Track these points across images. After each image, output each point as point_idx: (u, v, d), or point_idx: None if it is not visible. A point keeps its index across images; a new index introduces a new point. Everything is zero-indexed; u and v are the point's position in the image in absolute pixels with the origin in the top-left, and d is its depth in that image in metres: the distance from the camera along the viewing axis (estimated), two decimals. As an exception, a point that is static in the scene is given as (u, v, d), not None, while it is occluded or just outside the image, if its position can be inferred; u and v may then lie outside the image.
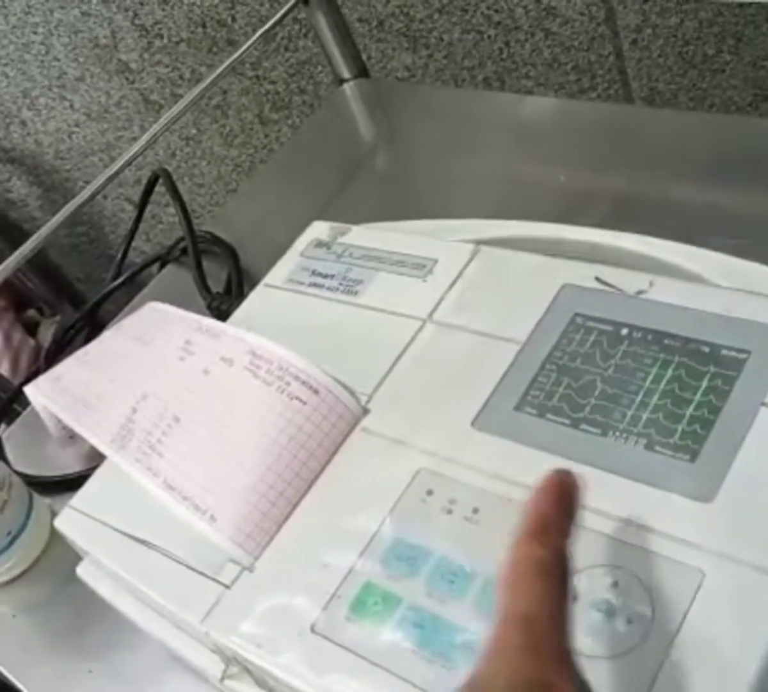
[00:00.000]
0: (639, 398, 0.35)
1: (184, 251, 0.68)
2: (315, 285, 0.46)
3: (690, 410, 0.34)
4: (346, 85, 0.79)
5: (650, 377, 0.36)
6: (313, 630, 0.34)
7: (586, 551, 0.32)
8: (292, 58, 1.03)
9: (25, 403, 0.58)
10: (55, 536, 0.51)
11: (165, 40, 1.06)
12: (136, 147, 0.65)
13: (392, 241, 0.46)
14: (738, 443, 0.33)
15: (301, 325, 0.45)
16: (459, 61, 0.95)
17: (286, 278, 0.48)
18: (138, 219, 0.72)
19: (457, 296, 0.42)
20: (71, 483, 0.53)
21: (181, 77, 1.10)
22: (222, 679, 0.38)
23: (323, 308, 0.45)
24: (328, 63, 0.79)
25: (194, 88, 0.69)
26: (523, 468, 0.35)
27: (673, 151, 0.60)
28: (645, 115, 0.72)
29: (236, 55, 0.71)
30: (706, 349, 0.36)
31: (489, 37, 0.91)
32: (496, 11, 0.88)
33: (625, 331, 0.37)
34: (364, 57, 0.79)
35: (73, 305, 1.45)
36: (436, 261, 0.44)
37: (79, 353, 0.49)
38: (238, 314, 0.48)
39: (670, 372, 0.35)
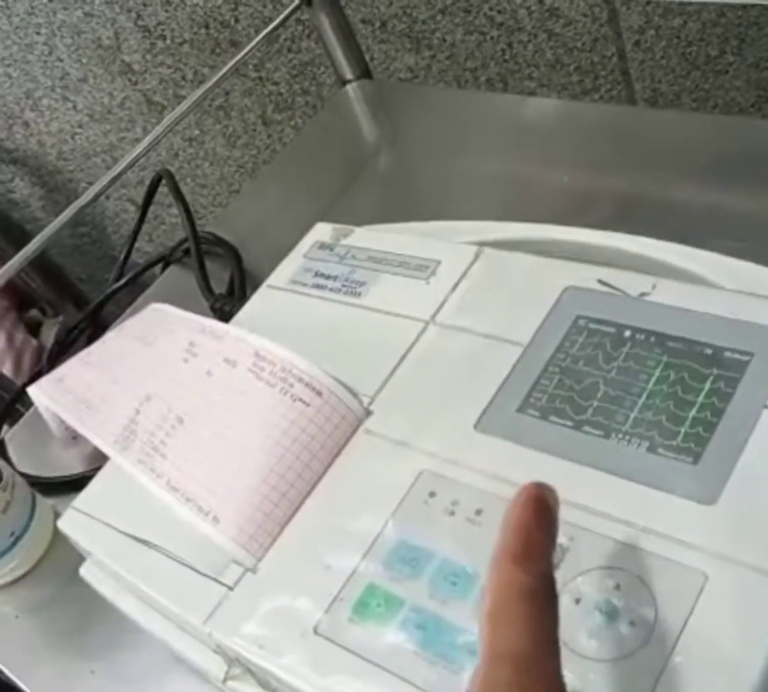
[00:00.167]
0: (642, 400, 0.35)
1: (186, 252, 0.68)
2: (318, 287, 0.46)
3: (693, 413, 0.34)
4: (349, 86, 0.79)
5: (653, 380, 0.36)
6: (315, 631, 0.34)
7: (589, 553, 0.32)
8: (295, 60, 1.03)
9: (28, 404, 0.59)
10: (58, 536, 0.51)
11: (168, 42, 1.07)
12: (139, 148, 0.65)
13: (395, 242, 0.46)
14: (741, 445, 0.33)
15: (304, 326, 0.45)
16: (462, 62, 0.95)
17: (289, 280, 0.48)
18: (141, 220, 0.73)
19: (460, 298, 0.42)
20: (74, 484, 0.53)
21: (184, 78, 1.11)
22: (224, 680, 0.38)
23: (326, 310, 0.45)
24: (331, 64, 0.79)
25: (197, 90, 0.69)
26: (526, 470, 0.35)
27: (675, 152, 0.60)
28: (648, 116, 0.72)
29: (239, 56, 0.71)
30: (709, 351, 0.36)
31: (492, 38, 0.91)
32: (499, 12, 0.89)
33: (627, 333, 0.37)
34: (367, 58, 0.79)
35: (75, 306, 1.45)
36: (439, 263, 0.44)
37: (82, 353, 0.49)
38: (241, 315, 0.48)
39: (672, 374, 0.35)
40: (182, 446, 0.40)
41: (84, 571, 0.44)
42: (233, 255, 0.66)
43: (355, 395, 0.40)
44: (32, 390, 0.48)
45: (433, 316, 0.42)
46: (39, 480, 0.56)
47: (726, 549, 0.31)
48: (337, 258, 0.47)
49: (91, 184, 0.69)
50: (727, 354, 0.35)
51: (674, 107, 0.89)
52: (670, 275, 0.40)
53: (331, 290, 0.46)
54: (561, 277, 0.41)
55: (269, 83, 1.07)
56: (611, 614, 0.30)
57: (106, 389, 0.45)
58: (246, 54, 0.72)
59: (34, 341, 1.37)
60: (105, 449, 0.42)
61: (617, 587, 0.31)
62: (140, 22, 1.06)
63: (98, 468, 0.45)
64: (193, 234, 0.65)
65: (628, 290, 0.39)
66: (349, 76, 0.79)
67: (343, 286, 0.46)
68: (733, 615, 0.29)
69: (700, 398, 0.34)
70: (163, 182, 0.70)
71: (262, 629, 0.35)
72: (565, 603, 0.31)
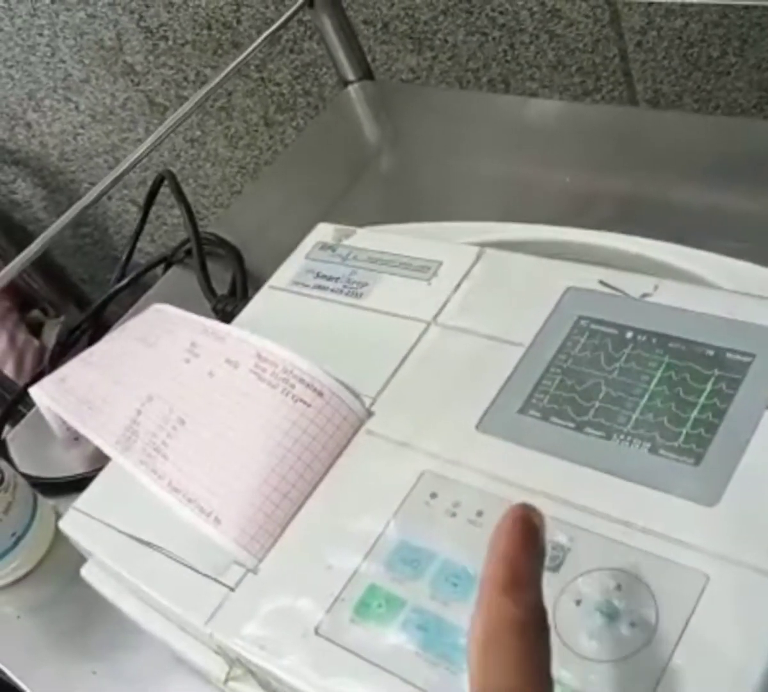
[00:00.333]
0: (643, 401, 0.35)
1: (188, 252, 0.68)
2: (320, 287, 0.46)
3: (694, 414, 0.34)
4: (350, 87, 0.79)
5: (654, 381, 0.36)
6: (316, 632, 0.34)
7: (590, 554, 0.32)
8: (297, 60, 1.03)
9: (30, 404, 0.59)
10: (59, 537, 0.51)
11: (170, 42, 1.07)
12: (141, 149, 0.65)
13: (397, 243, 0.46)
14: (742, 446, 0.33)
15: (306, 327, 0.45)
16: (464, 63, 0.95)
17: (290, 281, 0.48)
18: (143, 221, 0.73)
19: (462, 299, 0.42)
20: (76, 485, 0.54)
21: (186, 79, 1.11)
22: (225, 681, 0.38)
23: (328, 311, 0.45)
24: (332, 65, 0.79)
25: (199, 90, 0.69)
26: (527, 471, 0.35)
27: (677, 153, 0.60)
28: (650, 117, 0.72)
29: (241, 57, 0.71)
30: (711, 352, 0.36)
31: (494, 39, 0.91)
32: (501, 13, 0.89)
33: (629, 334, 0.37)
34: (369, 59, 0.79)
35: (77, 307, 1.45)
36: (440, 263, 0.44)
37: (84, 354, 0.49)
38: (243, 316, 0.48)
39: (674, 375, 0.35)
40: (184, 447, 0.40)
41: (85, 572, 0.44)
42: (235, 256, 0.66)
43: (356, 395, 0.40)
44: (34, 391, 0.48)
45: (435, 317, 0.42)
46: (40, 481, 0.56)
47: (727, 550, 0.31)
48: (338, 259, 0.47)
49: (93, 184, 0.69)
50: (729, 355, 0.35)
51: (676, 108, 0.89)
52: (672, 275, 0.40)
53: (332, 290, 0.46)
54: (563, 278, 0.41)
55: (271, 84, 1.07)
56: (612, 615, 0.30)
57: (107, 389, 0.45)
58: (248, 55, 0.72)
59: (35, 342, 1.37)
60: (106, 449, 0.42)
61: (618, 588, 0.31)
62: (142, 24, 1.06)
63: (100, 469, 0.45)
64: (195, 235, 0.66)
65: (629, 291, 0.39)
66: (351, 77, 0.79)
67: (345, 287, 0.46)
68: (734, 617, 0.29)
69: (702, 400, 0.34)
70: (165, 182, 0.70)
71: (263, 630, 0.35)
72: (565, 603, 0.31)
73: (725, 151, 0.59)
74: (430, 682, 0.31)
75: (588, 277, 0.40)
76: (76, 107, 1.21)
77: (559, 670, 0.29)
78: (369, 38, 0.95)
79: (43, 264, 1.41)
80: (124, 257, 0.72)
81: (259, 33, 0.74)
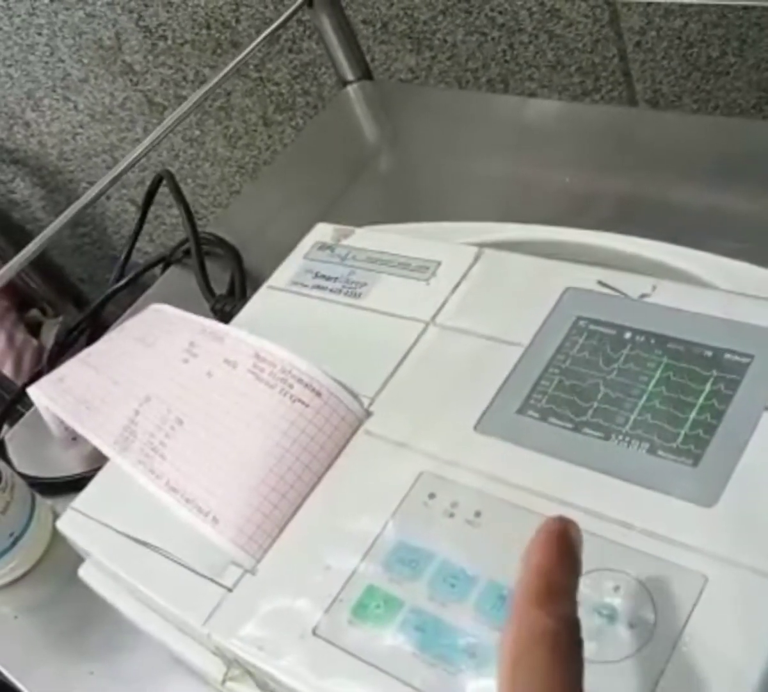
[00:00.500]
0: (642, 401, 0.35)
1: (187, 252, 0.68)
2: (318, 287, 0.46)
3: (693, 415, 0.34)
4: (349, 87, 0.79)
5: (653, 381, 0.36)
6: (314, 632, 0.34)
7: (588, 555, 0.32)
8: (296, 60, 1.03)
9: (28, 404, 0.59)
10: (57, 537, 0.51)
11: (169, 42, 1.07)
12: (139, 148, 0.65)
13: (395, 243, 0.46)
14: (741, 447, 0.33)
15: (304, 327, 0.45)
16: (463, 63, 0.95)
17: (289, 281, 0.48)
18: (141, 220, 0.73)
19: (460, 299, 0.42)
20: (74, 485, 0.53)
21: (184, 79, 1.11)
22: (223, 682, 0.37)
23: (326, 311, 0.45)
24: (331, 65, 0.79)
25: (198, 90, 0.69)
26: (525, 472, 0.35)
27: (676, 153, 0.60)
28: (649, 117, 0.72)
29: (240, 57, 0.71)
30: (709, 353, 0.35)
31: (493, 39, 0.91)
32: (500, 13, 0.89)
33: (628, 334, 0.37)
34: (368, 59, 0.79)
35: (76, 306, 1.45)
36: (439, 264, 0.44)
37: (82, 354, 0.49)
38: (242, 316, 0.48)
39: (673, 376, 0.35)
40: (182, 447, 0.40)
41: (83, 572, 0.44)
42: (234, 256, 0.66)
43: (355, 396, 0.40)
44: (32, 391, 0.48)
45: (434, 317, 0.42)
46: (38, 481, 0.56)
47: (726, 551, 0.30)
48: (337, 259, 0.47)
49: (91, 184, 0.69)
50: (728, 356, 0.35)
51: (675, 108, 0.89)
52: (671, 276, 0.40)
53: (331, 290, 0.46)
54: (561, 278, 0.41)
55: (270, 84, 1.07)
56: (610, 616, 0.30)
57: (106, 389, 0.45)
58: (247, 54, 0.72)
59: (34, 342, 1.37)
60: (104, 449, 0.42)
61: (616, 589, 0.31)
62: (141, 23, 1.06)
63: (98, 469, 0.44)
64: (194, 235, 0.65)
65: (628, 291, 0.39)
66: (350, 76, 0.79)
67: (344, 287, 0.46)
68: (733, 618, 0.29)
69: (700, 400, 0.34)
70: (164, 182, 0.70)
71: (261, 630, 0.35)
72: (564, 605, 0.31)
73: (724, 151, 0.59)
74: (427, 683, 0.31)
75: (586, 277, 0.40)
76: (75, 107, 1.21)
77: (557, 671, 0.29)
78: (368, 38, 0.95)
79: (42, 264, 1.41)
80: (122, 257, 0.72)
81: (258, 32, 0.74)
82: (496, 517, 0.34)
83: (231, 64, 0.71)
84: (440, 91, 0.93)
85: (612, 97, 0.91)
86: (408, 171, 0.71)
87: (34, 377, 0.53)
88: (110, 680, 0.47)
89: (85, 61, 1.13)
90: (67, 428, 0.49)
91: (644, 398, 0.35)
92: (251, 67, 1.05)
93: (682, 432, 0.34)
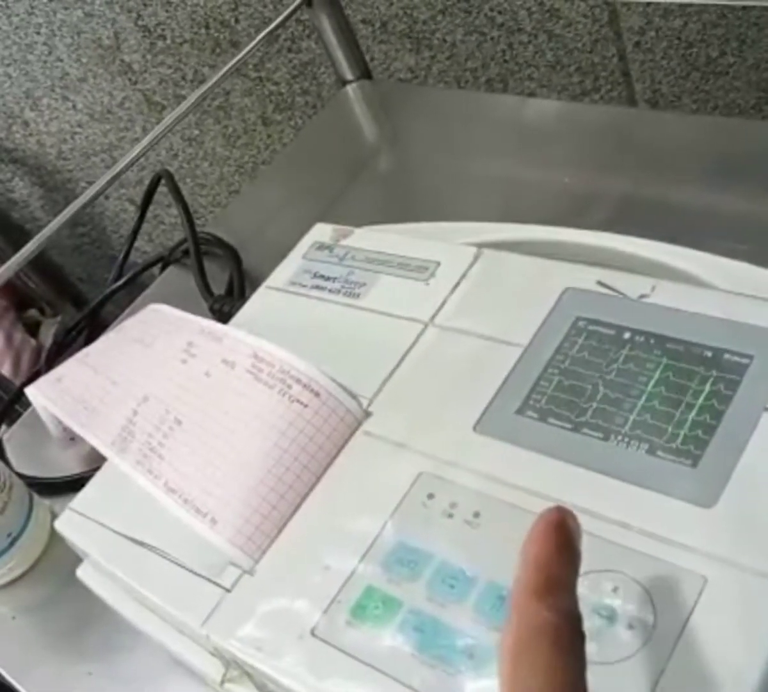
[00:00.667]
0: (641, 402, 0.35)
1: (186, 252, 0.68)
2: (317, 287, 0.46)
3: (692, 415, 0.34)
4: (349, 87, 0.79)
5: (652, 382, 0.36)
6: (313, 633, 0.34)
7: (587, 555, 0.32)
8: (295, 60, 1.03)
9: (27, 404, 0.58)
10: (55, 537, 0.51)
11: (168, 41, 1.06)
12: (138, 148, 0.65)
13: (394, 243, 0.46)
14: (740, 448, 0.33)
15: (303, 327, 0.45)
16: (462, 63, 0.95)
17: (288, 281, 0.48)
18: (140, 220, 0.73)
19: (460, 299, 0.42)
20: (72, 485, 0.53)
21: (183, 78, 1.11)
22: (222, 682, 0.37)
23: (325, 311, 0.45)
24: (331, 64, 0.79)
25: (197, 90, 0.69)
26: (525, 472, 0.35)
27: (676, 153, 0.60)
28: (648, 117, 0.72)
29: (239, 56, 0.71)
30: (709, 353, 0.35)
31: (492, 38, 0.91)
32: (500, 13, 0.89)
33: (627, 335, 0.37)
34: (367, 58, 0.79)
35: (74, 306, 1.45)
36: (438, 264, 0.44)
37: (81, 354, 0.49)
38: (240, 316, 0.48)
39: (672, 376, 0.35)
40: (180, 448, 0.39)
41: (81, 572, 0.44)
42: (232, 256, 0.66)
43: (353, 396, 0.40)
44: (30, 391, 0.48)
45: (433, 317, 0.42)
46: (36, 481, 0.56)
47: (725, 552, 0.30)
48: (336, 259, 0.47)
49: (90, 183, 0.69)
50: (727, 357, 0.35)
51: (675, 108, 0.89)
52: (670, 276, 0.40)
53: (330, 291, 0.46)
54: (561, 278, 0.41)
55: (269, 83, 1.07)
56: (610, 617, 0.30)
57: (104, 389, 0.44)
58: (246, 54, 0.72)
59: (32, 341, 1.37)
60: (102, 450, 0.42)
61: (616, 590, 0.31)
62: (140, 22, 1.06)
63: (96, 469, 0.44)
64: (193, 234, 0.65)
65: (627, 291, 0.39)
66: (349, 76, 0.79)
67: (343, 287, 0.45)
68: (732, 618, 0.29)
69: (700, 401, 0.34)
70: (163, 182, 0.70)
71: (259, 631, 0.35)
72: (563, 605, 0.31)
73: (724, 151, 0.59)
74: (426, 684, 0.31)
75: (586, 277, 0.40)
76: (74, 106, 1.20)
77: (556, 672, 0.29)
78: (367, 37, 0.95)
79: (40, 263, 1.41)
80: (121, 257, 0.72)
81: (257, 32, 0.73)
82: (495, 517, 0.34)
83: (230, 64, 0.71)
84: (439, 90, 0.93)
85: (611, 97, 0.91)
86: (407, 171, 0.71)
87: (33, 377, 0.53)
88: (108, 680, 0.46)
89: (84, 60, 1.13)
90: (65, 428, 0.49)
91: (643, 398, 0.35)
92: (250, 66, 1.05)
93: (682, 433, 0.34)
